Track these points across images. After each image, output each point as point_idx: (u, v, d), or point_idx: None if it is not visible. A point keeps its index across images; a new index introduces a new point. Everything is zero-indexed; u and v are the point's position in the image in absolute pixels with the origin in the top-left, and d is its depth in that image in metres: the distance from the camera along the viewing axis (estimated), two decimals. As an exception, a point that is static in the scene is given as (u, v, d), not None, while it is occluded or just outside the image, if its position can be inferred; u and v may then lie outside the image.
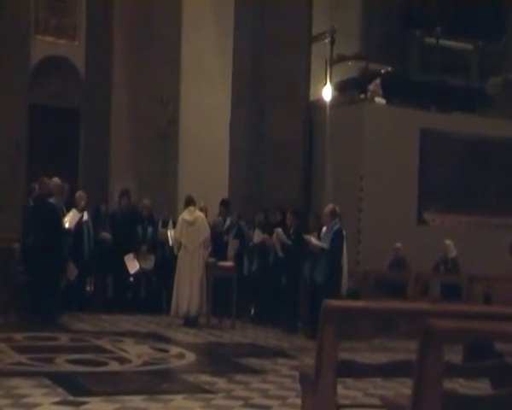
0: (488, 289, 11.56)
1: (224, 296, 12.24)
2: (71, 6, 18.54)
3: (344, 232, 11.48)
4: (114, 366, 8.10)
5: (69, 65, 18.24)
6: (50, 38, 18.22)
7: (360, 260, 13.65)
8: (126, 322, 11.89)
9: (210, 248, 12.29)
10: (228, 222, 13.63)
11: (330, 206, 11.53)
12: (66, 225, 11.80)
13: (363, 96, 14.98)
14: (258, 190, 14.35)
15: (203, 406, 6.55)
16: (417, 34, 16.66)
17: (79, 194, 12.96)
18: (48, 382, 7.02)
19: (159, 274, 13.49)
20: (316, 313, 5.66)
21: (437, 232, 14.09)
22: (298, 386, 5.65)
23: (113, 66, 18.54)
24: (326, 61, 15.56)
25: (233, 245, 13.10)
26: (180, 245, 11.78)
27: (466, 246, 13.70)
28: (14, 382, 6.96)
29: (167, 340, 10.28)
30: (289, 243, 12.11)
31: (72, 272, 12.20)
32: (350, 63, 16.76)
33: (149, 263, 13.35)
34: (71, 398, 6.52)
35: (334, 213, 11.32)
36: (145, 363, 8.38)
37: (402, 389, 6.88)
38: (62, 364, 7.97)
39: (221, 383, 7.52)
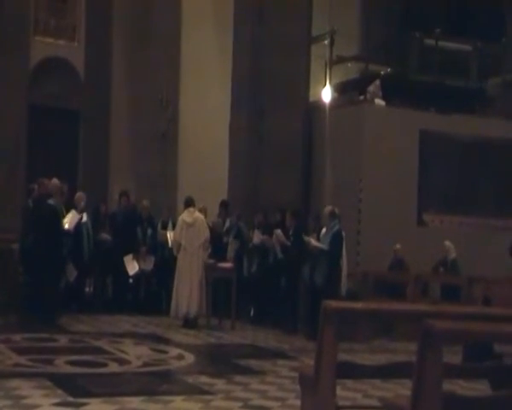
0: (487, 291, 11.55)
1: (224, 297, 12.25)
2: (70, 7, 18.53)
3: (343, 233, 11.49)
4: (114, 368, 8.10)
5: (68, 66, 18.23)
6: (50, 39, 18.21)
7: (360, 261, 13.64)
8: (126, 323, 11.89)
9: (209, 250, 12.29)
10: (227, 223, 13.64)
11: (329, 207, 11.54)
12: (66, 226, 11.79)
13: (362, 97, 14.97)
14: (258, 191, 14.35)
15: (202, 407, 6.55)
16: (417, 35, 16.66)
17: (79, 195, 12.96)
18: (47, 383, 7.02)
19: (158, 275, 13.50)
20: (315, 314, 5.67)
21: (436, 234, 14.09)
22: (297, 387, 5.65)
23: (112, 67, 18.53)
24: (325, 63, 15.57)
25: (233, 246, 13.11)
26: (180, 246, 11.78)
27: (465, 247, 13.71)
28: (14, 383, 6.97)
29: (167, 341, 10.28)
30: (289, 244, 12.11)
31: (72, 273, 12.21)
32: (349, 64, 16.76)
33: (149, 264, 13.35)
34: (70, 399, 6.52)
35: (333, 215, 11.33)
36: (144, 364, 8.38)
37: (401, 390, 6.87)
38: (62, 365, 7.97)
39: (220, 384, 7.53)
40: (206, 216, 12.60)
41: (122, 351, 9.08)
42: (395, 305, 7.26)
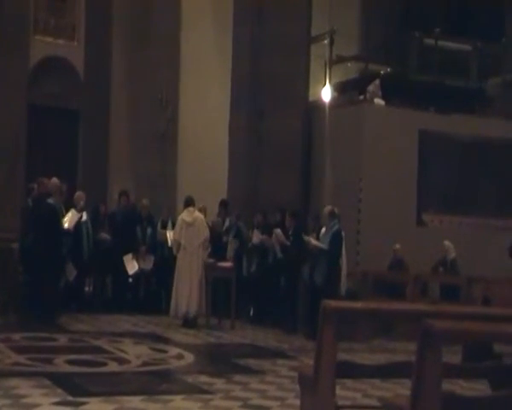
0: (487, 291, 11.56)
1: (224, 297, 12.26)
2: (70, 6, 18.52)
3: (343, 233, 11.50)
4: (113, 367, 8.11)
5: (68, 65, 18.22)
6: (49, 39, 18.20)
7: (359, 260, 13.64)
8: (125, 322, 11.90)
9: (209, 249, 12.30)
10: (227, 223, 13.64)
11: (329, 207, 11.55)
12: (66, 226, 11.79)
13: (362, 97, 14.97)
14: (257, 191, 14.35)
15: (202, 406, 6.55)
16: (416, 35, 16.66)
17: (78, 194, 12.95)
18: (47, 382, 7.02)
19: (158, 275, 13.50)
20: (315, 313, 5.67)
21: (436, 233, 14.09)
22: (297, 387, 5.65)
23: (112, 66, 18.51)
24: (325, 62, 15.56)
25: (232, 245, 13.12)
26: (179, 246, 11.78)
27: (465, 247, 13.71)
28: (13, 382, 6.97)
29: (166, 340, 10.28)
30: (288, 243, 12.12)
31: (71, 272, 12.21)
32: (349, 64, 16.75)
33: (148, 264, 13.35)
34: (70, 398, 6.52)
35: (332, 214, 11.34)
36: (144, 364, 8.38)
37: (401, 390, 6.87)
38: (61, 364, 7.97)
39: (220, 383, 7.53)
40: (205, 216, 12.60)
41: (121, 350, 9.08)
42: (395, 305, 7.26)
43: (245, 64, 14.80)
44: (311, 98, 15.27)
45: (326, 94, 15.20)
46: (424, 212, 14.64)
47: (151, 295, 13.58)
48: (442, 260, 13.64)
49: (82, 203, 12.70)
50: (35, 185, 11.91)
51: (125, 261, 13.07)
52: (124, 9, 18.35)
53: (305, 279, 11.69)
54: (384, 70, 16.10)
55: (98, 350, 9.07)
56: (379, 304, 7.43)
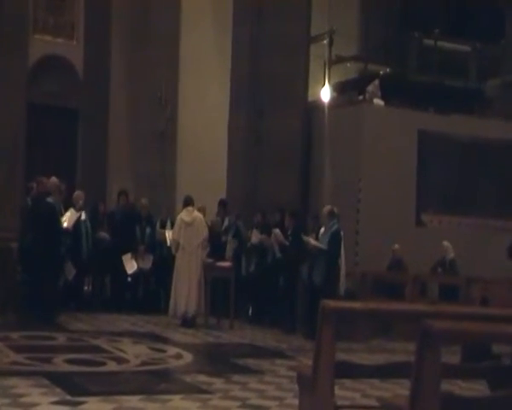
0: (486, 292, 11.56)
1: (222, 297, 12.26)
2: (69, 5, 18.51)
3: (342, 233, 11.50)
4: (112, 366, 8.11)
5: (67, 64, 18.21)
6: (48, 37, 18.19)
7: (358, 261, 13.64)
8: (124, 322, 11.89)
9: (208, 249, 12.30)
10: (226, 222, 13.64)
11: (328, 207, 11.55)
12: (65, 225, 11.79)
13: (361, 97, 14.97)
14: (257, 191, 14.35)
15: (200, 406, 6.55)
16: (416, 35, 16.67)
17: (77, 193, 12.95)
18: (46, 381, 7.02)
19: (157, 274, 13.49)
20: (314, 313, 5.67)
21: (435, 234, 14.09)
22: (295, 387, 5.65)
23: (111, 65, 18.51)
24: (324, 62, 15.57)
25: (231, 245, 13.12)
26: (178, 245, 11.78)
27: (464, 248, 13.71)
28: (12, 381, 6.97)
29: (165, 340, 10.28)
30: (287, 243, 12.12)
31: (70, 271, 12.21)
32: (348, 64, 16.76)
33: (147, 263, 13.35)
34: (68, 398, 6.52)
35: (332, 214, 11.34)
36: (143, 363, 8.38)
37: (400, 390, 6.87)
38: (60, 364, 7.97)
39: (219, 383, 7.53)
40: (204, 215, 12.59)
41: (120, 350, 9.08)
42: (393, 305, 7.26)
43: (244, 64, 14.80)
44: (310, 98, 15.27)
45: (325, 94, 15.20)
46: (423, 212, 14.64)
47: (150, 294, 13.58)
48: (441, 261, 13.65)
49: (81, 202, 12.69)
50: (34, 184, 11.90)
51: (124, 261, 13.07)
52: (123, 8, 18.34)
53: (304, 279, 11.70)
54: (383, 70, 16.11)
55: (97, 349, 9.07)
56: (378, 304, 7.43)
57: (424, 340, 3.84)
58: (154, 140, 17.45)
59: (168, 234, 12.83)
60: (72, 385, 6.98)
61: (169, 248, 12.57)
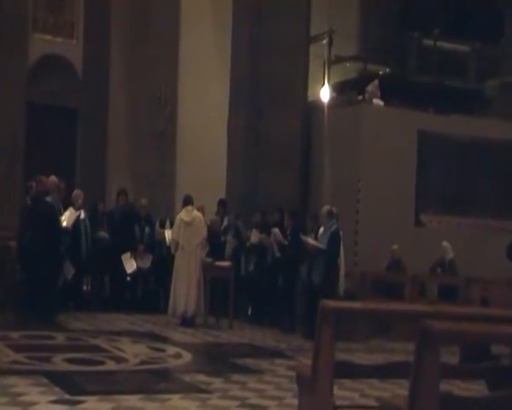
0: (485, 292, 11.56)
1: (222, 296, 12.26)
2: (69, 4, 18.51)
3: (341, 233, 11.50)
4: (111, 366, 8.11)
5: (67, 63, 18.21)
6: (48, 37, 18.19)
7: (357, 261, 13.64)
8: (123, 321, 11.89)
9: (207, 248, 12.30)
10: (225, 222, 13.64)
11: (327, 207, 11.56)
12: (64, 224, 11.79)
13: (361, 97, 14.97)
14: (256, 191, 14.34)
15: (199, 405, 6.55)
16: (415, 36, 16.67)
17: (76, 192, 12.95)
18: (44, 380, 7.02)
19: (156, 274, 13.50)
20: (313, 313, 5.68)
21: (434, 234, 14.09)
22: (295, 386, 5.66)
23: (110, 65, 18.51)
24: (324, 62, 15.57)
25: (231, 244, 13.12)
26: (177, 245, 11.78)
27: (463, 248, 13.71)
28: (11, 380, 6.97)
29: (164, 339, 10.28)
30: (286, 243, 12.12)
31: (69, 270, 12.20)
32: (348, 64, 16.75)
33: (146, 262, 13.35)
34: (67, 397, 6.52)
35: (331, 214, 11.35)
36: (142, 362, 8.38)
37: (398, 390, 6.88)
38: (59, 363, 7.97)
39: (218, 383, 7.53)
40: (204, 215, 12.59)
41: (119, 349, 9.08)
42: (393, 305, 7.26)
43: (244, 64, 14.79)
44: (309, 98, 15.27)
45: (325, 94, 15.20)
46: (422, 212, 14.64)
47: (149, 294, 13.57)
48: (440, 261, 13.64)
49: (80, 202, 12.69)
50: (33, 183, 11.90)
51: (124, 260, 13.07)
52: (123, 8, 18.34)
53: (304, 279, 11.70)
54: (383, 70, 16.11)
55: (96, 349, 9.07)
56: (377, 304, 7.44)
57: (423, 340, 3.84)
58: (153, 140, 17.45)
59: (167, 234, 12.83)
60: (71, 384, 6.98)
61: (168, 247, 12.57)
